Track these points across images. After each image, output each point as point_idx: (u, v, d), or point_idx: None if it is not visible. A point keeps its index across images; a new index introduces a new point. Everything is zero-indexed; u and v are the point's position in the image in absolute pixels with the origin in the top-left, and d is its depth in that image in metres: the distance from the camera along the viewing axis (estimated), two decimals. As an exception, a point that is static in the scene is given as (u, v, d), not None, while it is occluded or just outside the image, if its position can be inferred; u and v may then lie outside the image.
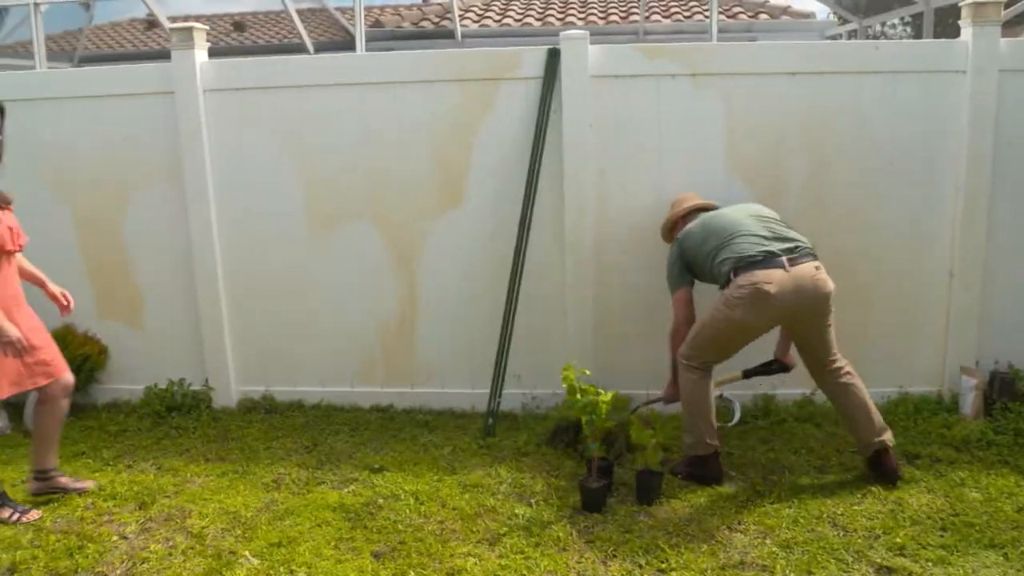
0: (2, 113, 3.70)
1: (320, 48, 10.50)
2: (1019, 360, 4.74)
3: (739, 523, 3.62)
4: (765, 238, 3.84)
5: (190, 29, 4.78)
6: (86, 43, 12.54)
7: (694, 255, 4.06)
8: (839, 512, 3.69)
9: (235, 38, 14.71)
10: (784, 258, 3.73)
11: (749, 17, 10.55)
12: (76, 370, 5.04)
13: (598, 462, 3.91)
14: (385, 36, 11.11)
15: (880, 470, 3.93)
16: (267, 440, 4.71)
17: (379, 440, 4.65)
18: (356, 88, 4.75)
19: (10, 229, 3.72)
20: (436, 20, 11.53)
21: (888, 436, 3.93)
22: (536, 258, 4.77)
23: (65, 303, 4.01)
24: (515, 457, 4.36)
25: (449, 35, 10.89)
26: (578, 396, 3.91)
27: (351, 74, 4.79)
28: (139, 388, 5.24)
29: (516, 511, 3.75)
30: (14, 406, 5.07)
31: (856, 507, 3.73)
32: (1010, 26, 7.21)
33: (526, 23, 11.04)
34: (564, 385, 3.91)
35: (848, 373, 3.96)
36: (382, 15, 12.58)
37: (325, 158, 4.84)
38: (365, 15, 12.91)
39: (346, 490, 4.02)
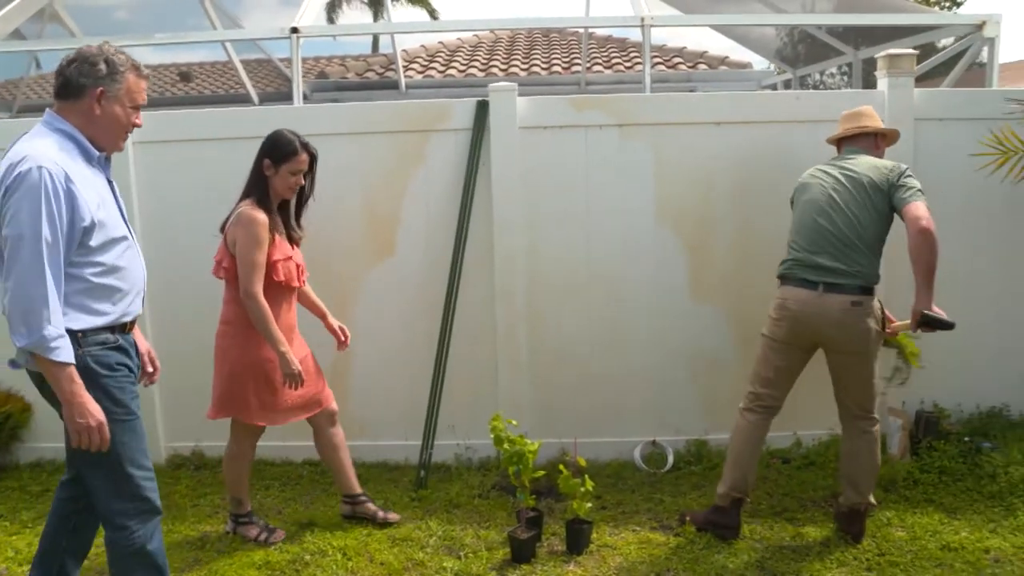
0: (314, 159, 3.83)
1: (265, 98, 10.51)
2: (943, 400, 4.84)
3: (668, 571, 3.61)
4: (812, 263, 3.76)
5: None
6: (27, 92, 12.41)
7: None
8: (768, 557, 3.70)
9: (181, 88, 14.68)
10: (820, 283, 3.71)
11: (688, 67, 10.82)
12: (-3, 429, 4.96)
13: (527, 512, 3.90)
14: (330, 87, 11.16)
15: (849, 528, 3.89)
16: (194, 497, 4.60)
17: (310, 495, 4.58)
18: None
19: (298, 266, 3.84)
20: (381, 71, 11.61)
21: (872, 498, 3.91)
22: (468, 307, 4.78)
23: (343, 338, 4.15)
24: (446, 509, 4.32)
25: (394, 86, 10.97)
26: (505, 446, 3.92)
27: (285, 126, 4.76)
28: (63, 446, 5.07)
29: (445, 564, 3.70)
30: None
31: (784, 551, 3.75)
32: (931, 77, 7.46)
33: (470, 73, 11.18)
34: (491, 436, 3.91)
35: (863, 432, 3.86)
36: (329, 66, 12.65)
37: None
38: (312, 66, 13.02)
39: (272, 547, 3.93)
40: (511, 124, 4.63)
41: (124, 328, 2.85)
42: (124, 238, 2.81)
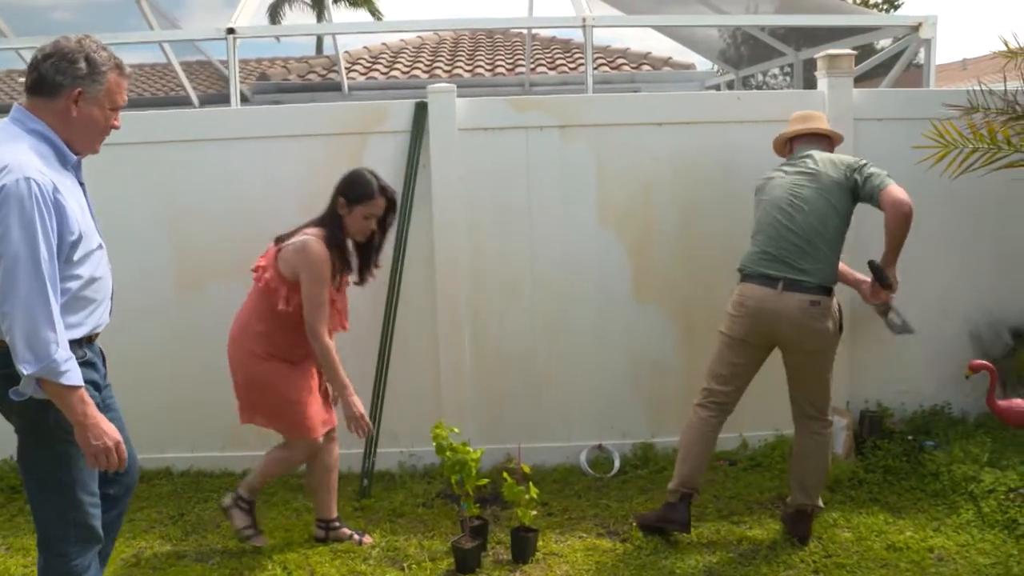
0: (393, 205, 3.68)
1: (206, 100, 10.27)
2: (887, 399, 4.87)
3: (614, 577, 3.57)
4: (774, 257, 3.74)
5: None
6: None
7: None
8: (715, 561, 3.68)
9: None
10: (780, 282, 3.68)
11: (632, 68, 10.84)
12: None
13: (472, 521, 3.82)
14: (271, 89, 10.96)
15: (795, 530, 3.87)
16: (130, 512, 4.38)
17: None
18: (224, 143, 4.62)
19: (339, 311, 3.76)
20: (323, 73, 11.45)
21: (820, 500, 3.91)
22: (409, 312, 4.69)
23: None
24: (390, 519, 4.23)
25: (336, 88, 10.81)
26: (448, 454, 3.84)
27: (218, 129, 4.65)
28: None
29: (387, 576, 3.61)
30: None
31: (731, 555, 3.73)
32: (870, 78, 7.56)
33: (413, 75, 11.06)
34: (434, 443, 3.83)
35: (815, 433, 3.85)
36: (271, 68, 12.43)
37: (192, 216, 4.67)
38: (253, 68, 12.78)
39: (210, 563, 3.80)
40: (450, 126, 4.55)
41: (91, 339, 2.67)
42: (100, 247, 2.65)
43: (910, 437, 4.65)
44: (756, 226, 3.90)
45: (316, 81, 11.22)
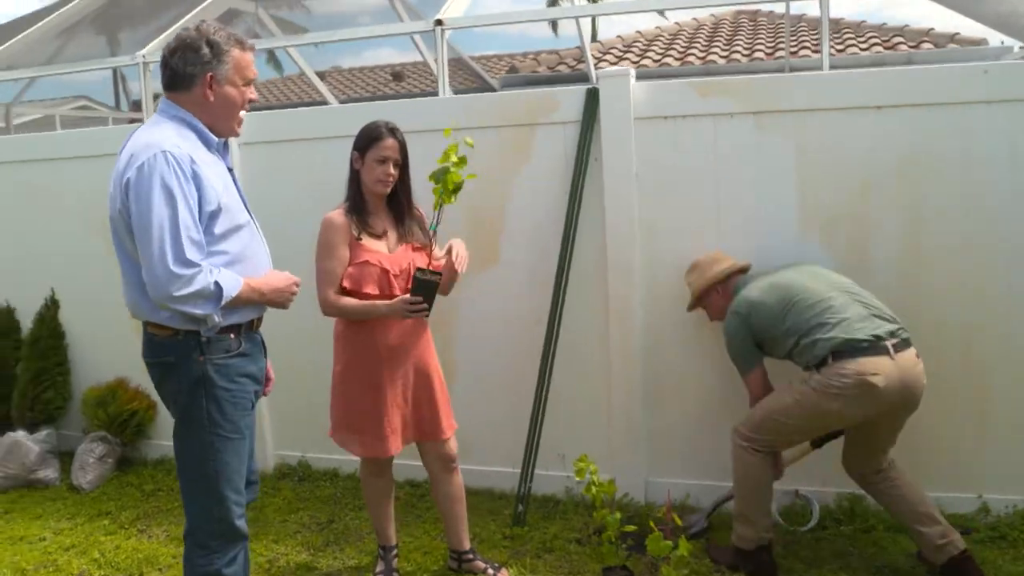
0: (404, 147, 3.39)
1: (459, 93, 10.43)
2: None
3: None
4: (863, 316, 3.27)
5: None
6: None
7: (767, 330, 3.45)
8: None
9: (392, 88, 15.10)
10: (889, 343, 3.17)
11: (910, 47, 9.44)
12: (123, 425, 5.04)
13: (620, 572, 3.32)
14: (520, 82, 10.83)
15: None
16: (286, 512, 4.39)
17: (401, 519, 4.18)
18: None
19: (387, 272, 3.50)
20: (573, 64, 11.15)
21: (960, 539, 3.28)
22: (579, 318, 4.22)
23: None
24: (537, 553, 3.81)
25: (584, 78, 10.47)
26: (593, 491, 3.37)
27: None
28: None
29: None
30: (65, 457, 5.07)
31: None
32: None
33: (664, 63, 10.45)
34: (577, 479, 3.38)
35: (897, 469, 3.45)
36: (523, 62, 12.38)
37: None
38: (503, 62, 12.78)
39: (343, 578, 3.61)
40: (625, 115, 4.00)
41: (251, 326, 2.74)
42: (248, 224, 2.70)
43: None
44: (811, 316, 3.32)
45: (565, 72, 10.95)
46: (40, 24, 6.67)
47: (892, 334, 3.22)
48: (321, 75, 12.32)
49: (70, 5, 7.04)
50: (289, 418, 4.86)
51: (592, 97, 4.07)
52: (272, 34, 7.94)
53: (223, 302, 2.52)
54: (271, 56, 12.53)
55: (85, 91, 12.76)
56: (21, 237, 5.38)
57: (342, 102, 11.09)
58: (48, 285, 5.31)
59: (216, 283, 2.49)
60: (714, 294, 3.73)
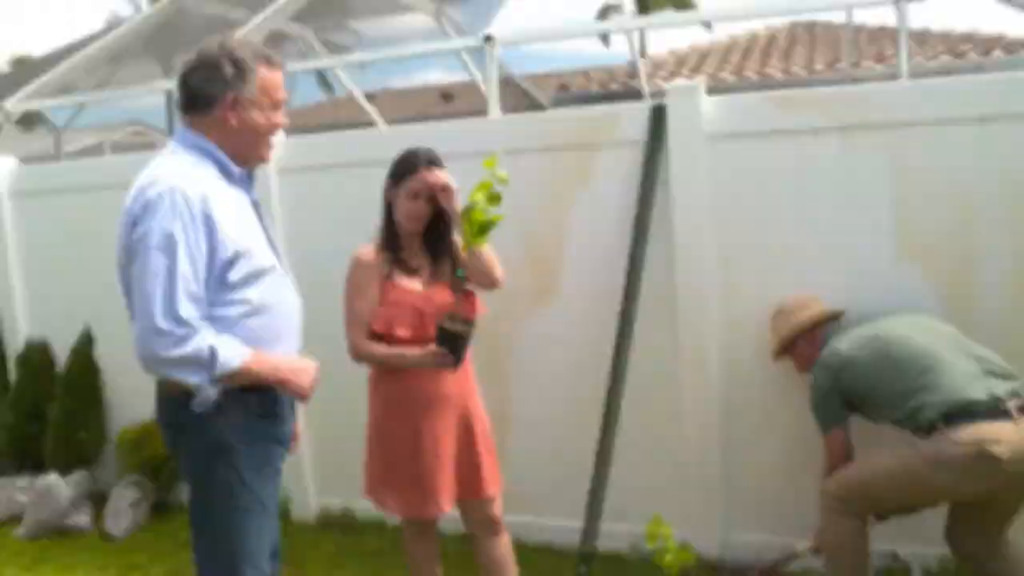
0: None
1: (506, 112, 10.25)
2: None
3: None
4: (977, 374, 2.91)
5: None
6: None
7: (861, 390, 3.10)
8: None
9: (441, 109, 14.96)
10: (1011, 404, 2.76)
11: (980, 55, 8.92)
12: (158, 469, 4.79)
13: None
14: (570, 100, 10.58)
15: None
16: (328, 567, 4.09)
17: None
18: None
19: (421, 312, 3.24)
20: (624, 80, 10.85)
21: None
22: (645, 363, 3.83)
23: None
24: (597, 620, 3.43)
25: (636, 95, 10.15)
26: (668, 559, 3.03)
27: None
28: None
29: None
30: (98, 501, 4.82)
31: None
32: None
33: (720, 78, 10.09)
34: (648, 544, 3.02)
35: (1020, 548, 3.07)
36: (573, 79, 12.13)
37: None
38: (552, 81, 12.52)
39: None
40: (695, 133, 3.64)
41: None
42: (272, 268, 2.37)
43: None
44: (917, 375, 2.93)
45: (616, 89, 10.65)
46: (90, 48, 6.52)
47: (1014, 393, 2.81)
48: (370, 97, 12.18)
49: (120, 28, 6.91)
50: (333, 461, 4.54)
51: (658, 114, 3.71)
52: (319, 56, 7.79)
53: (217, 373, 2.19)
54: (322, 79, 12.45)
55: (139, 116, 12.69)
56: (59, 274, 5.15)
57: (390, 123, 10.89)
58: (83, 320, 5.09)
59: (211, 349, 2.17)
60: (801, 342, 3.36)
